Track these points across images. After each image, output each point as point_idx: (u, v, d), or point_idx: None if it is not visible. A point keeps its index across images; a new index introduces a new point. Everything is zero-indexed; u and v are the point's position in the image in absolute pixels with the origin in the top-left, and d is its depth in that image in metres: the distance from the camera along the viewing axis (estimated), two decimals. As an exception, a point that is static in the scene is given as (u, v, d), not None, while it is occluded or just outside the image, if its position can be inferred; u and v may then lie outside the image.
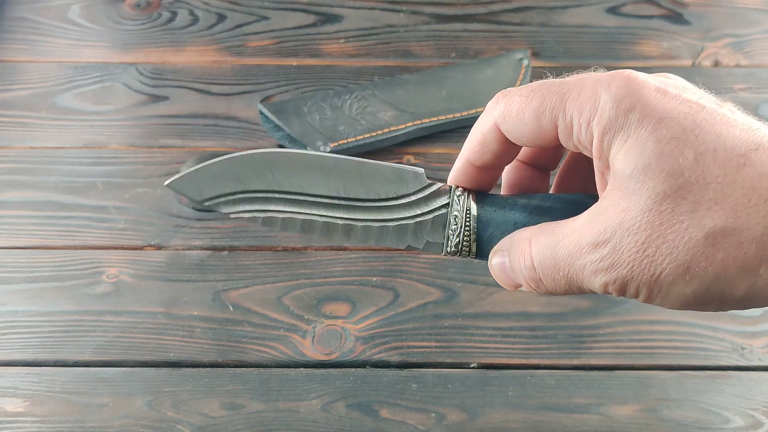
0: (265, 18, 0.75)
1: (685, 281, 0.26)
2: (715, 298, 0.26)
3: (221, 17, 0.75)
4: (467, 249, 0.32)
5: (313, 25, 0.75)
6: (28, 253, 0.59)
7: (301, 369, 0.54)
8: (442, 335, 0.56)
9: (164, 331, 0.56)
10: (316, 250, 0.60)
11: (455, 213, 0.32)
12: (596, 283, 0.27)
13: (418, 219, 0.32)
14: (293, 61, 0.72)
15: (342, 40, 0.74)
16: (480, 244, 0.32)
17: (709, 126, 0.26)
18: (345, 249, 0.60)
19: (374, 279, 0.58)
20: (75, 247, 0.60)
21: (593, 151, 0.28)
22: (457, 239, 0.32)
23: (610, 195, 0.27)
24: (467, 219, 0.32)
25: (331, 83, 0.70)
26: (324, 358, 0.55)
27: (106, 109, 0.68)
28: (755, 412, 0.52)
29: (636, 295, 0.27)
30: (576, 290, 0.29)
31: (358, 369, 0.54)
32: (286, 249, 0.60)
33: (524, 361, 0.55)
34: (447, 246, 0.32)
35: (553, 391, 0.53)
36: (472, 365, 0.55)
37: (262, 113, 0.66)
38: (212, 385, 0.53)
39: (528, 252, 0.30)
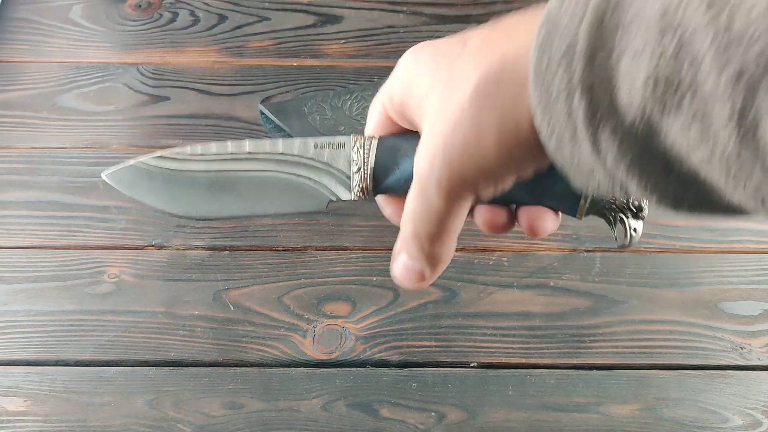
0: (266, 19, 0.75)
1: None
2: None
3: (222, 18, 0.75)
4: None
5: (314, 25, 0.75)
6: (29, 253, 0.60)
7: (302, 368, 0.54)
8: (441, 335, 0.56)
9: (165, 330, 0.56)
10: (317, 249, 0.60)
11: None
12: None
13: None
14: (294, 62, 0.72)
15: (342, 41, 0.74)
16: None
17: None
18: (345, 249, 0.60)
19: (374, 279, 0.59)
20: (76, 247, 0.60)
21: None
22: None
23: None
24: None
25: (331, 84, 0.70)
26: (324, 357, 0.55)
27: (107, 109, 0.68)
28: (754, 411, 0.52)
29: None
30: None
31: (358, 368, 0.54)
32: (287, 249, 0.60)
33: (524, 361, 0.55)
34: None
35: (553, 390, 0.53)
36: (471, 364, 0.55)
37: (262, 114, 0.66)
38: (213, 385, 0.54)
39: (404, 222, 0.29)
